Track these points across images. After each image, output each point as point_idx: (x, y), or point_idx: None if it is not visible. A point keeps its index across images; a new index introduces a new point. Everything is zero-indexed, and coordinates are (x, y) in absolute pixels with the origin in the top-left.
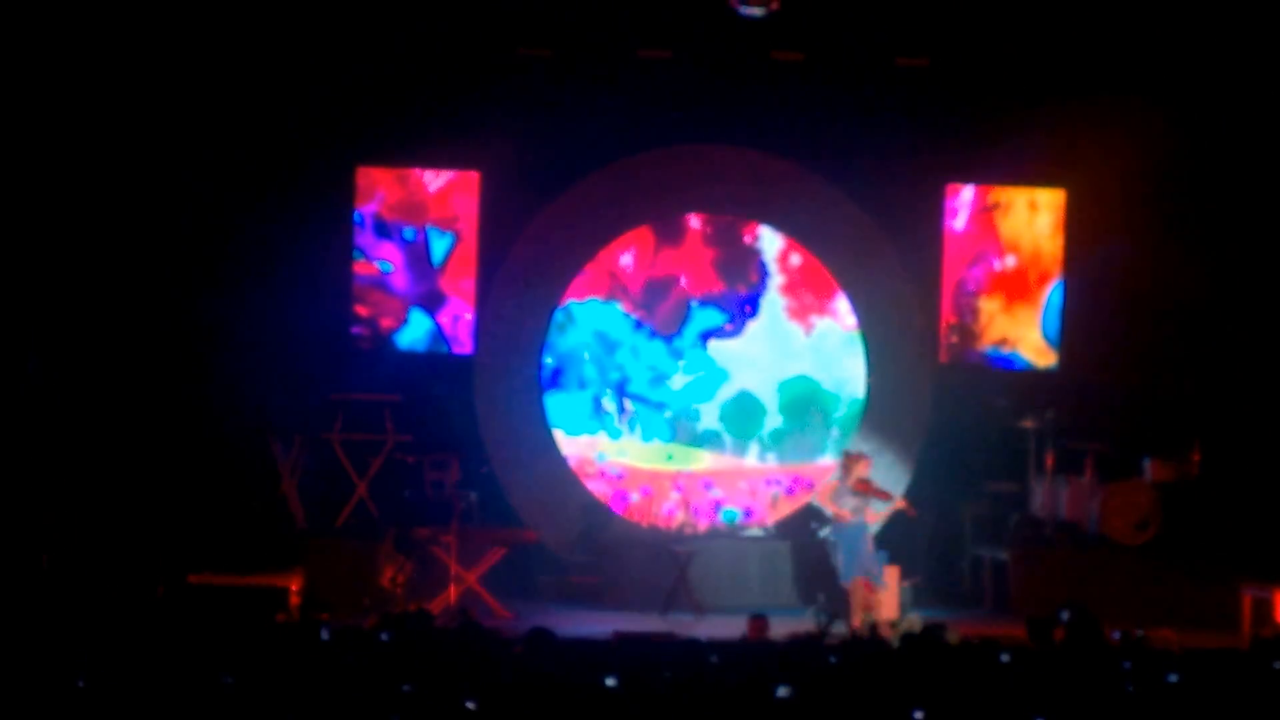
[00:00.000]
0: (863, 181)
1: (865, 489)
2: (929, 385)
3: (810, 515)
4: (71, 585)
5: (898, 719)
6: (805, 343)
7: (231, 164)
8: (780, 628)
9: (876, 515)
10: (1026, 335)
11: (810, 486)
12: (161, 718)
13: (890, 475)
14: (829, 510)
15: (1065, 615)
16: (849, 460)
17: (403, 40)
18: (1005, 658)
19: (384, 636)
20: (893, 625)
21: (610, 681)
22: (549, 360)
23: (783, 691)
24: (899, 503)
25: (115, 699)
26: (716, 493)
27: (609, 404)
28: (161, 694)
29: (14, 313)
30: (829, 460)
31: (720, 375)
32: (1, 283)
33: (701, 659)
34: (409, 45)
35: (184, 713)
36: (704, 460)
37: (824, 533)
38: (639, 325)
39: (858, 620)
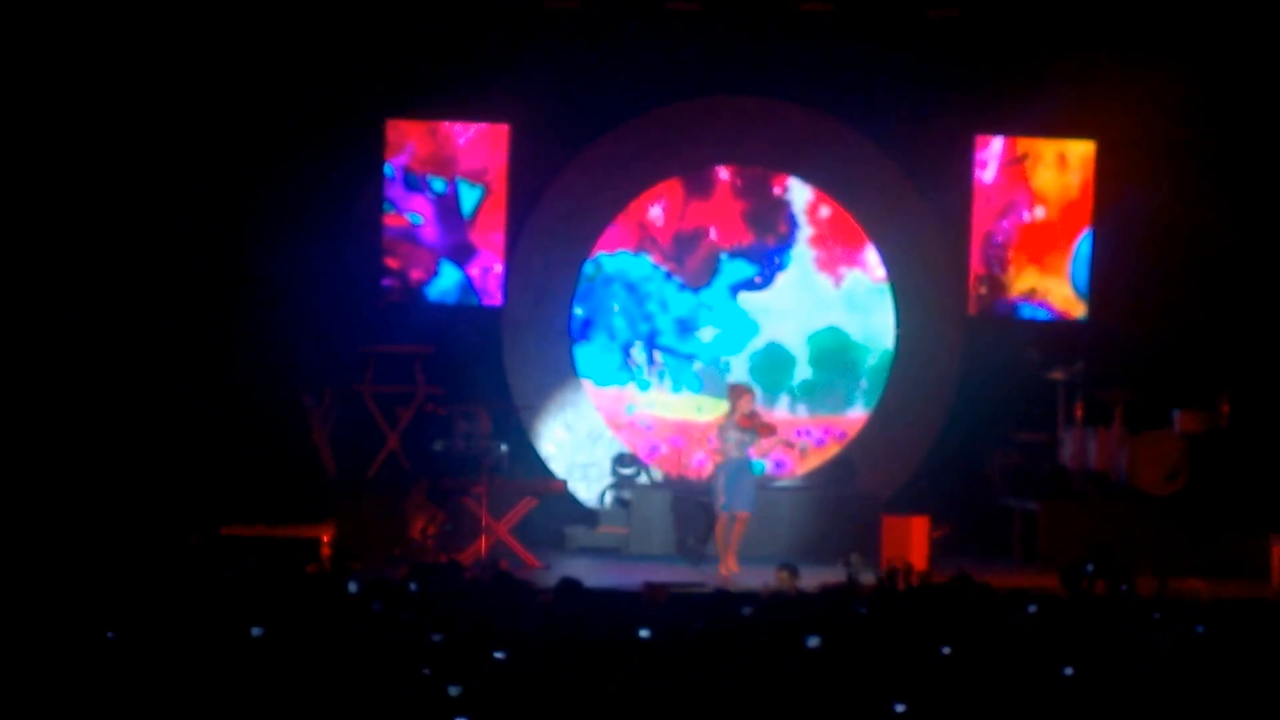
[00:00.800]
0: (892, 133)
1: (749, 424)
2: (958, 336)
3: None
4: (105, 537)
5: (925, 670)
6: (835, 294)
7: (262, 118)
8: (812, 578)
9: (761, 451)
10: (1056, 286)
11: (841, 438)
12: (192, 669)
13: (920, 425)
14: (712, 444)
15: (1090, 566)
16: (734, 394)
17: None
18: (1033, 608)
19: (414, 587)
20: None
21: (644, 633)
22: (578, 312)
23: (813, 641)
24: (778, 438)
25: (146, 650)
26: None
27: (638, 356)
28: (192, 645)
29: (46, 267)
30: (859, 411)
31: (750, 327)
32: (33, 237)
33: (733, 610)
34: None
35: (215, 664)
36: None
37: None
38: (668, 277)
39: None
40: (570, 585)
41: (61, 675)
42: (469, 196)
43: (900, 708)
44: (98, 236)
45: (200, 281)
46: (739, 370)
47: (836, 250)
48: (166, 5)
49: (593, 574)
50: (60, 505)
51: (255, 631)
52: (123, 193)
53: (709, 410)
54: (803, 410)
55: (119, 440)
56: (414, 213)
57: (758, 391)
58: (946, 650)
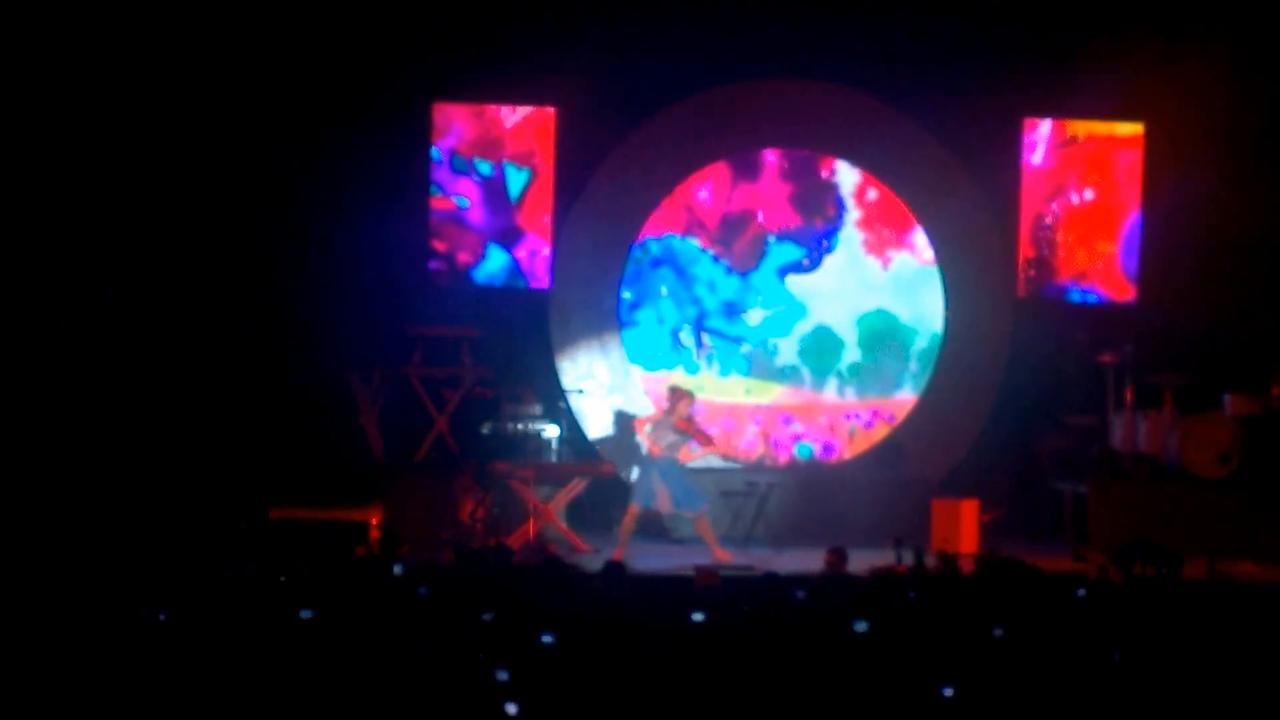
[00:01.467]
0: (940, 115)
1: (686, 427)
2: (1007, 319)
3: None
4: (156, 522)
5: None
6: (883, 277)
7: (310, 103)
8: (861, 562)
9: (691, 455)
10: (1105, 269)
11: (891, 420)
12: (243, 651)
13: (969, 408)
14: (641, 438)
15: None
16: (675, 395)
17: None
18: (1082, 592)
19: (462, 571)
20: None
21: (697, 617)
22: (626, 295)
23: (861, 626)
24: (716, 448)
25: (197, 632)
26: (796, 427)
27: (687, 339)
28: (243, 627)
29: (93, 248)
30: (908, 394)
31: (798, 310)
32: (80, 219)
33: (782, 594)
34: None
35: (265, 646)
36: (782, 395)
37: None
38: (716, 260)
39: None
40: (615, 568)
41: (112, 658)
42: (516, 179)
43: (948, 692)
44: (148, 223)
45: (249, 266)
46: (788, 352)
47: (885, 233)
48: None
49: (642, 557)
50: (112, 491)
51: (304, 614)
52: (173, 179)
53: (757, 393)
54: (851, 393)
55: (170, 425)
56: (461, 196)
57: (697, 398)
58: (998, 633)
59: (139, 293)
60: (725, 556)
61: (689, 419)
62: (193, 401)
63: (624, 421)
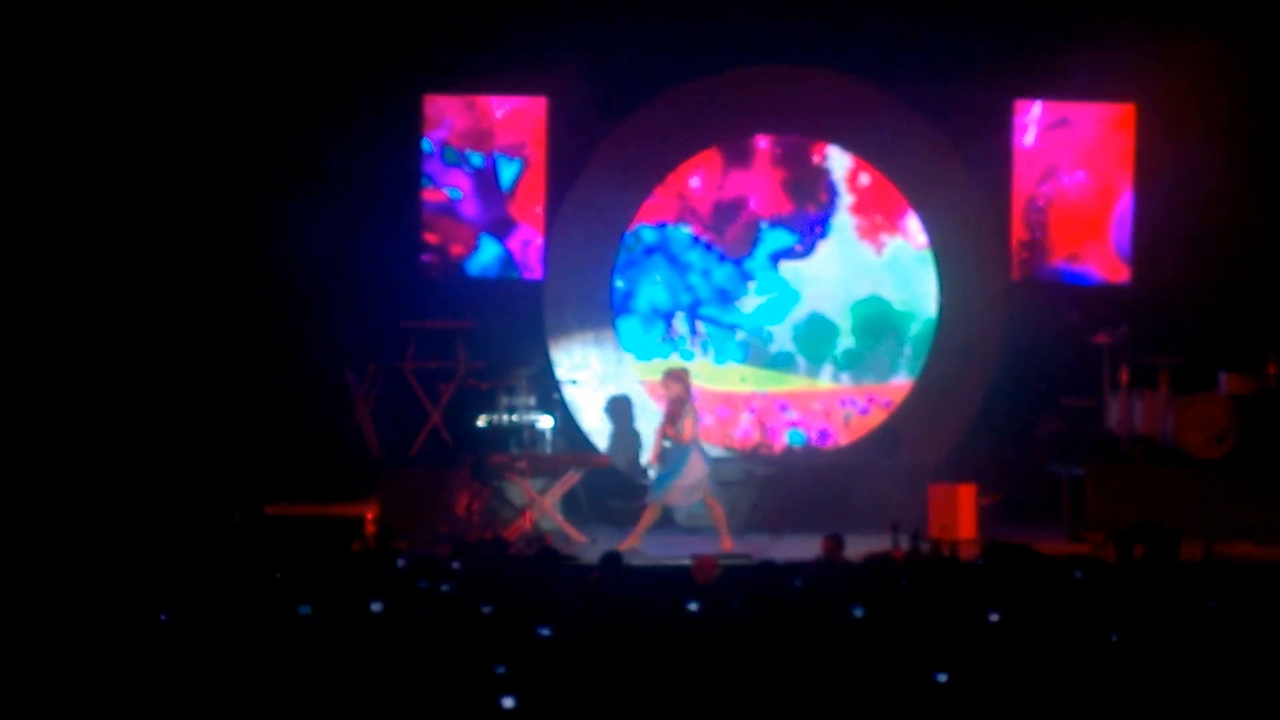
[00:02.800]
0: (931, 99)
1: (677, 409)
2: (1001, 302)
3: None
4: (151, 518)
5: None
6: (876, 262)
7: (301, 96)
8: (858, 548)
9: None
10: (1098, 250)
11: (887, 406)
12: (240, 648)
13: (964, 392)
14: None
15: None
16: (666, 381)
17: None
18: (1079, 574)
19: (459, 564)
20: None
21: (692, 606)
22: (619, 284)
23: (858, 612)
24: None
25: (195, 630)
26: (792, 414)
27: (681, 327)
28: (240, 625)
29: (90, 246)
30: (904, 380)
31: (792, 296)
32: (81, 217)
33: (780, 582)
34: None
35: (265, 643)
36: (777, 382)
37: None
38: (709, 248)
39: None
40: (612, 559)
41: (112, 655)
42: (508, 170)
43: (942, 677)
44: (139, 219)
45: (241, 261)
46: (782, 339)
47: (878, 218)
48: None
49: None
50: (107, 487)
51: (303, 610)
52: (163, 174)
53: (752, 380)
54: (846, 379)
55: (163, 421)
56: (453, 187)
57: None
58: (994, 617)
59: (130, 289)
60: (729, 546)
61: (678, 400)
62: (188, 397)
63: (620, 407)
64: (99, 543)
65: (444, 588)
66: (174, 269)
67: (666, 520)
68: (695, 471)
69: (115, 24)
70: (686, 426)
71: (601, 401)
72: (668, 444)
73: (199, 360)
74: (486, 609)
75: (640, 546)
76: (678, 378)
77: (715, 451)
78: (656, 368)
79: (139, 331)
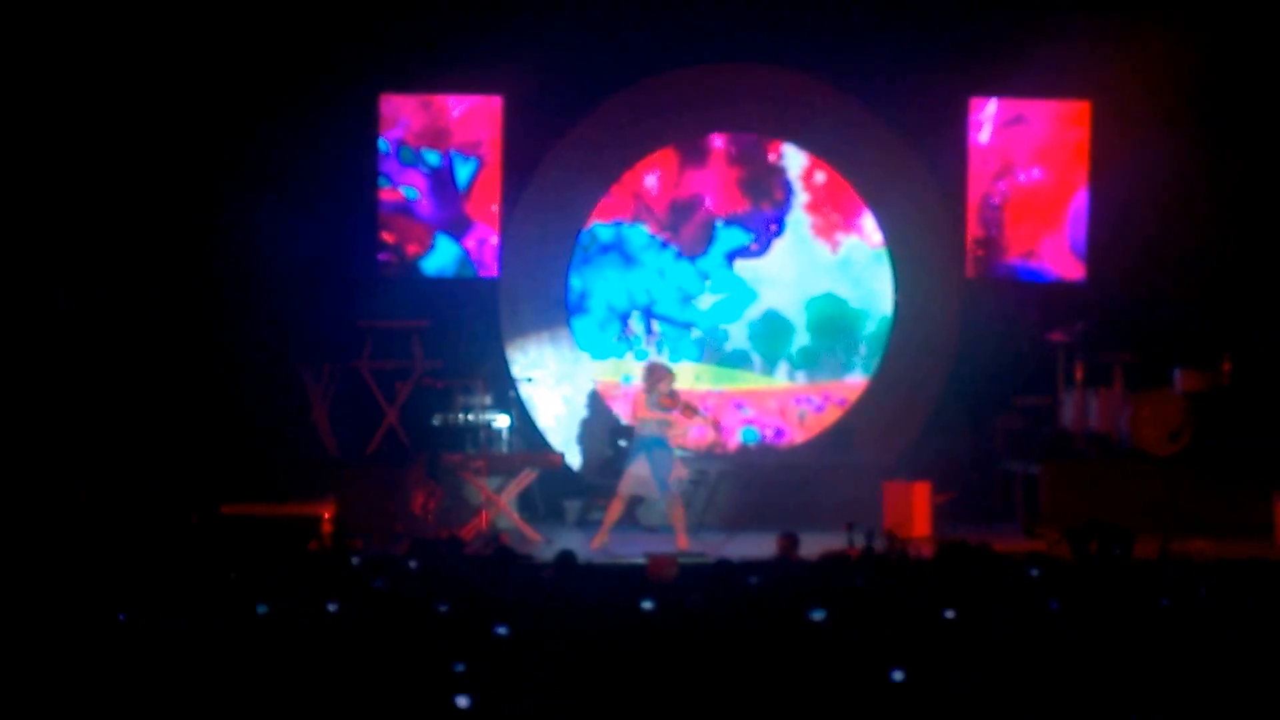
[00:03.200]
0: (886, 97)
1: (672, 403)
2: (957, 300)
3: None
4: (107, 518)
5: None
6: (832, 260)
7: (256, 95)
8: (813, 546)
9: (680, 434)
10: (1053, 247)
11: (842, 404)
12: (197, 648)
13: (920, 390)
14: (642, 417)
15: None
16: (653, 375)
17: None
18: (1035, 572)
19: (415, 563)
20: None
21: (646, 605)
22: (575, 283)
23: (818, 615)
24: (704, 420)
25: (152, 630)
26: (747, 412)
27: (636, 326)
28: (197, 624)
29: (41, 246)
30: (859, 378)
31: (747, 295)
32: (27, 217)
33: (734, 581)
34: None
35: (222, 643)
36: (733, 380)
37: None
38: (665, 246)
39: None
40: (568, 558)
41: (70, 657)
42: (464, 169)
43: (898, 675)
44: (92, 216)
45: (197, 260)
46: (738, 338)
47: (833, 216)
48: None
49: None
50: (63, 488)
51: (260, 609)
52: (116, 173)
53: (708, 379)
54: (802, 378)
55: (119, 421)
56: (409, 186)
57: (676, 374)
58: (950, 614)
59: (85, 289)
60: (684, 544)
61: (671, 395)
62: (142, 397)
63: (597, 403)
64: (56, 543)
65: (402, 586)
66: (130, 270)
67: (628, 518)
68: (643, 467)
69: (62, 19)
70: (675, 412)
71: (566, 396)
72: (654, 426)
73: (155, 361)
74: (443, 608)
75: (609, 542)
76: (661, 375)
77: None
78: (612, 366)
79: (95, 333)
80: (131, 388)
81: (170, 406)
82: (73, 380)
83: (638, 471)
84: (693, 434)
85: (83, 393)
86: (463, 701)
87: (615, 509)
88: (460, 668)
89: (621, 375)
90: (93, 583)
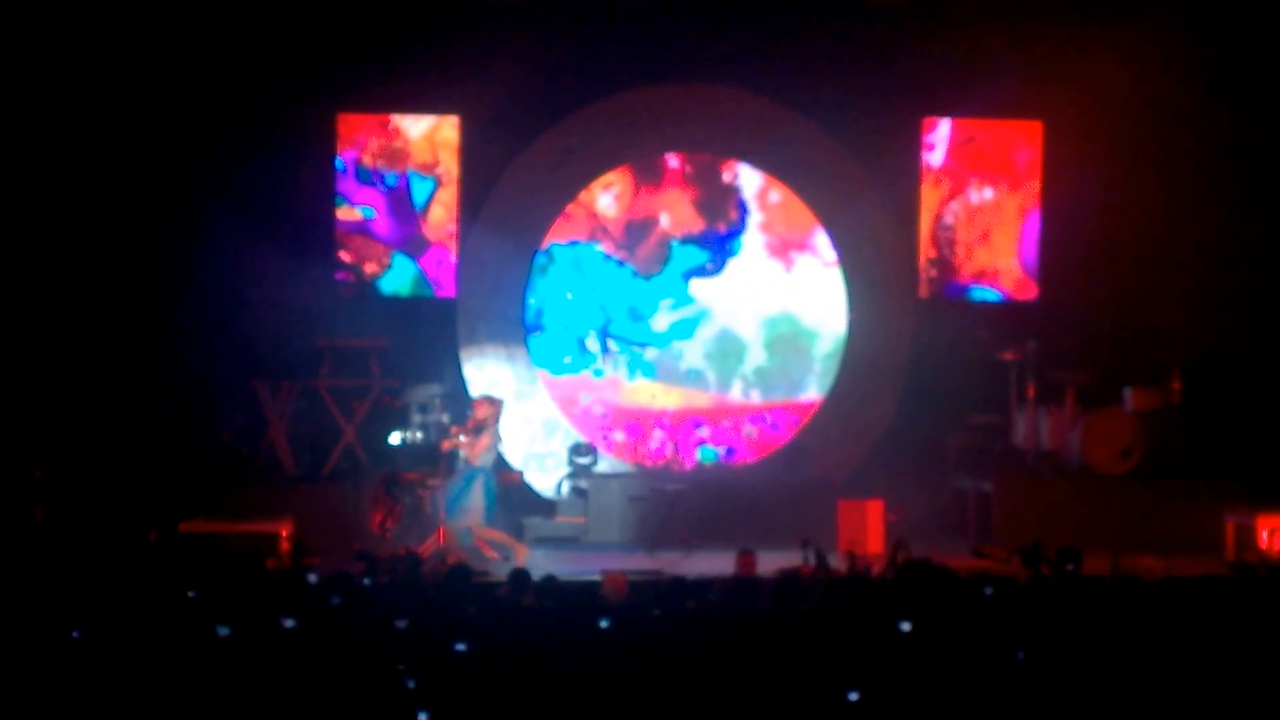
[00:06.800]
0: (840, 117)
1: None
2: (910, 320)
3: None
4: (65, 536)
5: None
6: (786, 279)
7: (214, 114)
8: (768, 563)
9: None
10: (1006, 267)
11: (796, 423)
12: (156, 666)
13: (873, 408)
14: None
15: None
16: (484, 401)
17: None
18: (989, 590)
19: (371, 581)
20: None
21: (603, 623)
22: (532, 302)
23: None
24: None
25: (110, 648)
26: (703, 431)
27: (592, 344)
28: (155, 642)
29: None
30: (813, 396)
31: (702, 313)
32: None
33: (695, 597)
34: None
35: (179, 660)
36: (687, 398)
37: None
38: (620, 265)
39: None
40: (520, 576)
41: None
42: (421, 189)
43: (854, 696)
44: (50, 236)
45: (155, 278)
46: (693, 356)
47: (787, 235)
48: (118, 4)
49: (550, 564)
50: (22, 505)
51: (221, 631)
52: (75, 193)
53: (663, 398)
54: (756, 395)
55: (77, 438)
56: (366, 206)
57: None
58: (906, 627)
59: (42, 308)
60: (493, 554)
61: (483, 422)
62: (100, 417)
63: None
64: (13, 560)
65: (359, 603)
66: (88, 289)
67: (577, 537)
68: (477, 496)
69: (16, 37)
70: (480, 448)
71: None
72: (461, 456)
73: (113, 379)
74: (401, 624)
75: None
76: (492, 403)
77: (625, 468)
78: (569, 384)
79: (53, 352)
80: (89, 406)
81: (128, 425)
82: (31, 399)
83: (472, 502)
84: (650, 451)
85: (41, 412)
86: (422, 718)
87: (448, 537)
88: (417, 684)
89: (580, 393)
90: (49, 600)
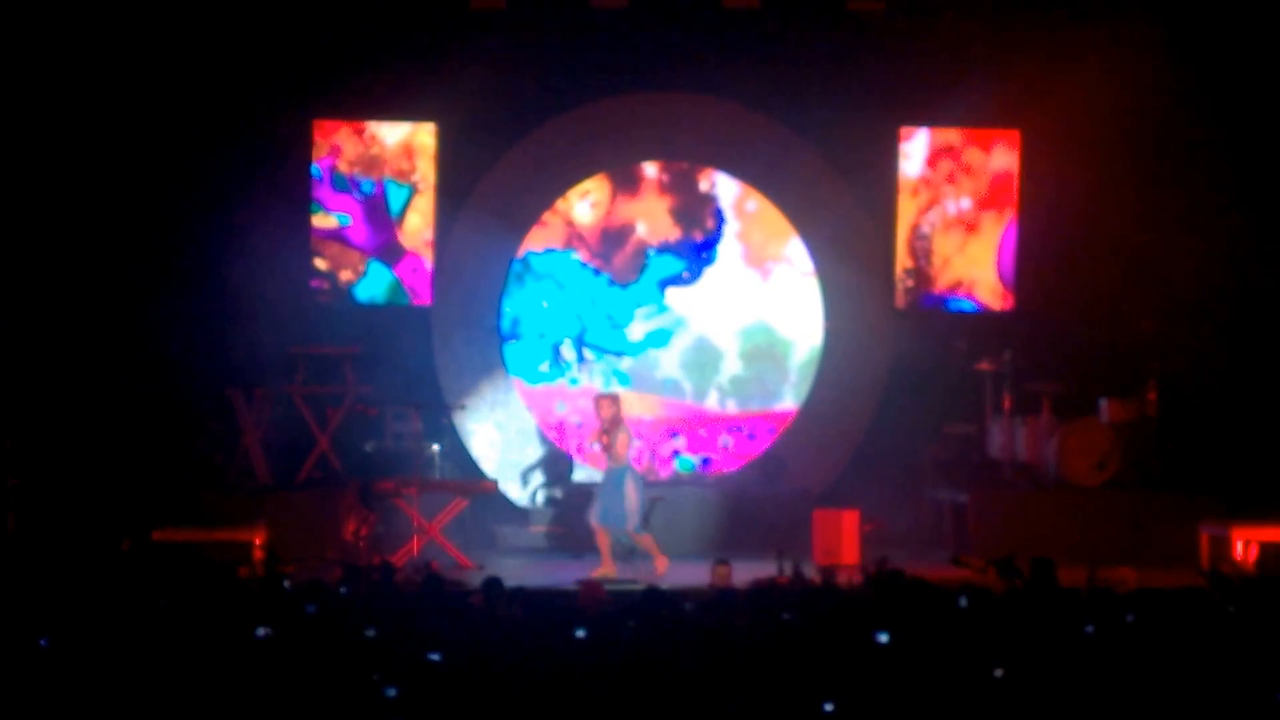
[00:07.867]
0: (817, 126)
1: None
2: (886, 330)
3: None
4: (37, 544)
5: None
6: (763, 288)
7: (189, 119)
8: (744, 574)
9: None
10: (982, 277)
11: (771, 433)
12: (127, 674)
13: (849, 419)
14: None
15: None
16: (597, 404)
17: None
18: (964, 602)
19: (346, 590)
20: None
21: (580, 633)
22: (507, 310)
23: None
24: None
25: (80, 657)
26: (679, 441)
27: (568, 353)
28: (127, 650)
29: None
30: (789, 406)
31: (678, 322)
32: None
33: (666, 608)
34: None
35: (150, 669)
36: (664, 408)
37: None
38: (597, 274)
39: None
40: (493, 584)
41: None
42: (397, 196)
43: (829, 707)
44: (20, 242)
45: (128, 284)
46: (669, 365)
47: (764, 244)
48: (93, 6)
49: (525, 573)
50: None
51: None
52: (46, 198)
53: (638, 407)
54: (732, 405)
55: (50, 446)
56: (342, 213)
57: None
58: (883, 638)
59: (17, 315)
60: (613, 570)
61: (613, 421)
62: (72, 422)
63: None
64: None
65: (333, 612)
66: (59, 295)
67: (555, 545)
68: (633, 493)
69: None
70: (621, 447)
71: (499, 422)
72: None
73: (85, 385)
74: (372, 633)
75: (615, 572)
76: (612, 400)
77: (599, 476)
78: (544, 393)
79: (24, 358)
80: (62, 413)
81: (101, 432)
82: (2, 406)
83: (630, 505)
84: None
85: (13, 418)
86: None
87: (607, 539)
88: (392, 693)
89: (555, 402)
90: (20, 608)
